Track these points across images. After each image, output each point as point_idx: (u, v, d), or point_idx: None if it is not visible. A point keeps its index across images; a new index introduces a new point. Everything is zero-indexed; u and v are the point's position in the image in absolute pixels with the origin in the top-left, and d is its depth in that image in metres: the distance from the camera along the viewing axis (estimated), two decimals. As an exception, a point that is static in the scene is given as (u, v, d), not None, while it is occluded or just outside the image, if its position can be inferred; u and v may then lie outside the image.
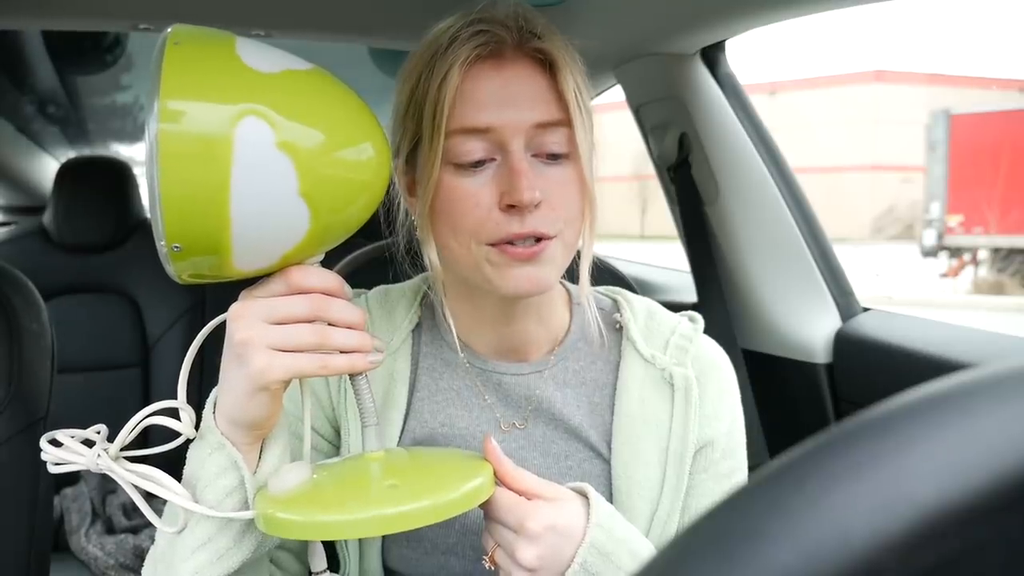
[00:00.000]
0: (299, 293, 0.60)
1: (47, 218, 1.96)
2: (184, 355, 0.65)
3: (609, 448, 0.77)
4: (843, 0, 1.03)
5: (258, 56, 0.56)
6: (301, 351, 0.59)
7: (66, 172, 1.98)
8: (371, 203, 0.62)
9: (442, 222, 0.71)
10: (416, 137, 0.71)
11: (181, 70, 0.52)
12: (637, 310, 0.82)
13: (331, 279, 0.62)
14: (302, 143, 0.55)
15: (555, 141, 0.70)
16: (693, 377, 0.77)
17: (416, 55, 0.73)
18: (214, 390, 0.64)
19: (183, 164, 0.52)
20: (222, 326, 0.63)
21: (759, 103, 1.59)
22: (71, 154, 3.78)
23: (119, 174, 2.03)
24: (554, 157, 0.70)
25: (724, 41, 1.35)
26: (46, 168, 3.66)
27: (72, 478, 1.77)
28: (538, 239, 0.69)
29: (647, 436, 0.76)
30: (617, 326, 0.82)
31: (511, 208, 0.68)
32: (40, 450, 0.62)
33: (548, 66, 0.70)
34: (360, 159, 0.59)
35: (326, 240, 0.61)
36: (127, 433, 0.64)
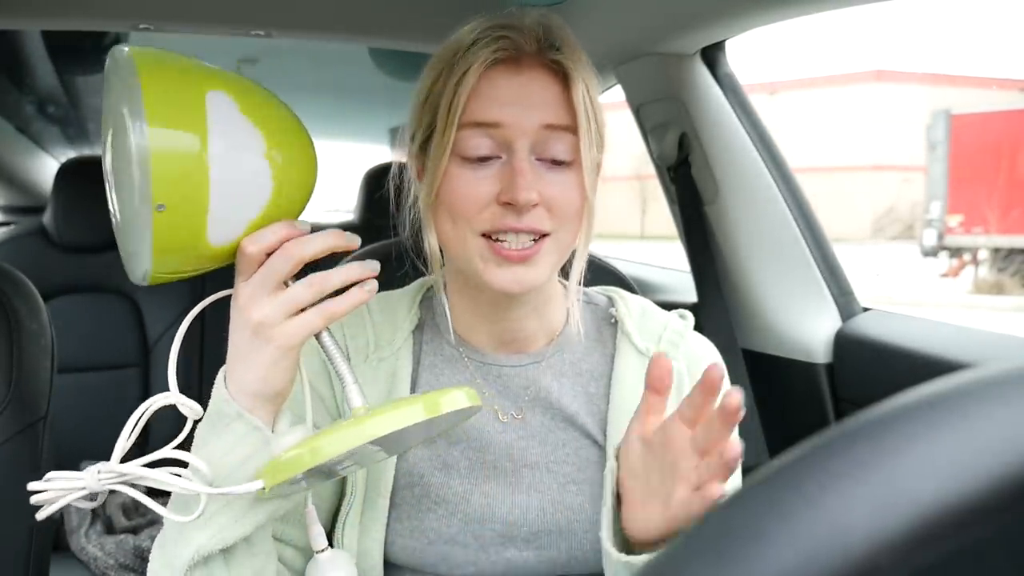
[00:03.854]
0: (266, 248, 0.62)
1: (47, 218, 1.95)
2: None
3: (604, 435, 0.81)
4: (843, 0, 1.03)
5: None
6: (305, 308, 0.62)
7: (66, 172, 1.97)
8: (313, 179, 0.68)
9: (443, 209, 0.75)
10: (430, 128, 0.75)
11: (154, 86, 0.60)
12: (632, 306, 0.86)
13: (285, 226, 0.63)
14: (263, 111, 0.63)
15: (560, 148, 0.73)
16: (685, 371, 0.81)
17: (439, 53, 0.76)
18: (221, 370, 0.66)
19: (169, 159, 0.59)
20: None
21: (759, 103, 1.59)
22: (71, 154, 3.78)
23: (119, 174, 2.03)
24: (557, 164, 0.74)
25: (724, 41, 1.35)
26: (46, 168, 3.66)
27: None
28: (535, 238, 0.72)
29: None
30: (612, 320, 0.86)
31: (508, 205, 0.71)
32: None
33: (563, 76, 0.73)
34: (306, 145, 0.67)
35: (283, 209, 0.64)
36: (125, 440, 0.65)
